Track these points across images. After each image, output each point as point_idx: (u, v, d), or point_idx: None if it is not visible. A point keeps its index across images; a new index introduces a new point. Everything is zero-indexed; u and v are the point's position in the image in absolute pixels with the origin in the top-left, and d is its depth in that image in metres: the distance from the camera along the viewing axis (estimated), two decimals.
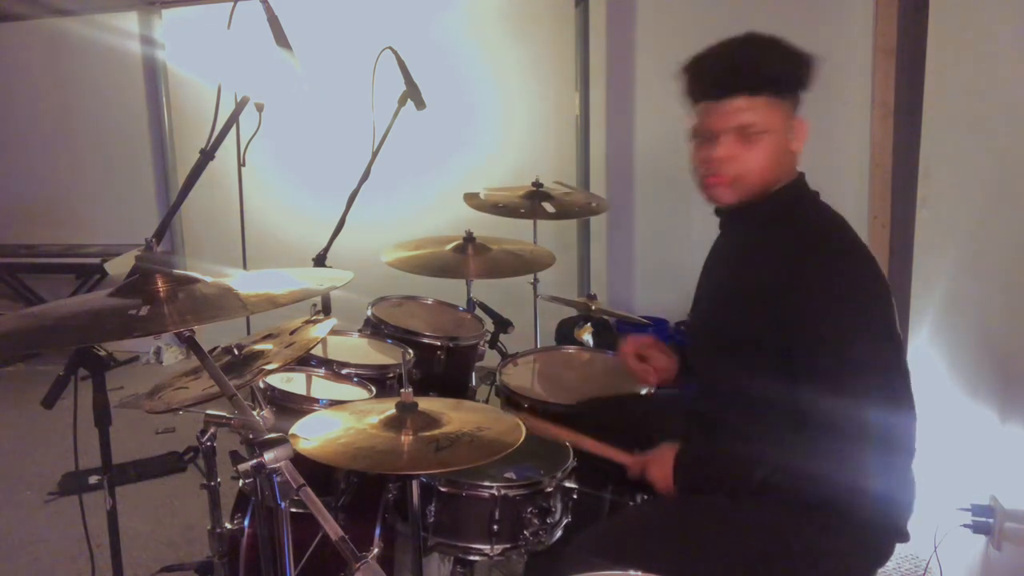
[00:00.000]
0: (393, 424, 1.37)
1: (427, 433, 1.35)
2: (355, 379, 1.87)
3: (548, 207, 2.58)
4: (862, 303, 1.34)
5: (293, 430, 1.37)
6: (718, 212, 1.56)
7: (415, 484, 1.42)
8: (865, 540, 1.39)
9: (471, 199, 2.67)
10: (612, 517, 1.58)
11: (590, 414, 1.77)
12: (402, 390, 1.40)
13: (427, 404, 1.43)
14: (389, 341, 2.12)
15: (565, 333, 3.26)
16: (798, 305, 1.33)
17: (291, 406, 1.67)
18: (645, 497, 1.57)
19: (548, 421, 1.69)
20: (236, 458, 1.12)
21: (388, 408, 1.41)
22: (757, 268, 1.44)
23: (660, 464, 1.48)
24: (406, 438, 1.33)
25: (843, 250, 1.38)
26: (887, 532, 1.41)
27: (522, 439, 1.35)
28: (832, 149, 3.29)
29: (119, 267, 4.18)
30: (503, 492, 1.49)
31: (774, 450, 1.37)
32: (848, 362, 1.31)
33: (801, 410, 1.31)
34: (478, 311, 2.45)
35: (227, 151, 1.84)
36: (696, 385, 1.68)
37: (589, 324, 2.35)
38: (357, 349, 2.06)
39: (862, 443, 1.29)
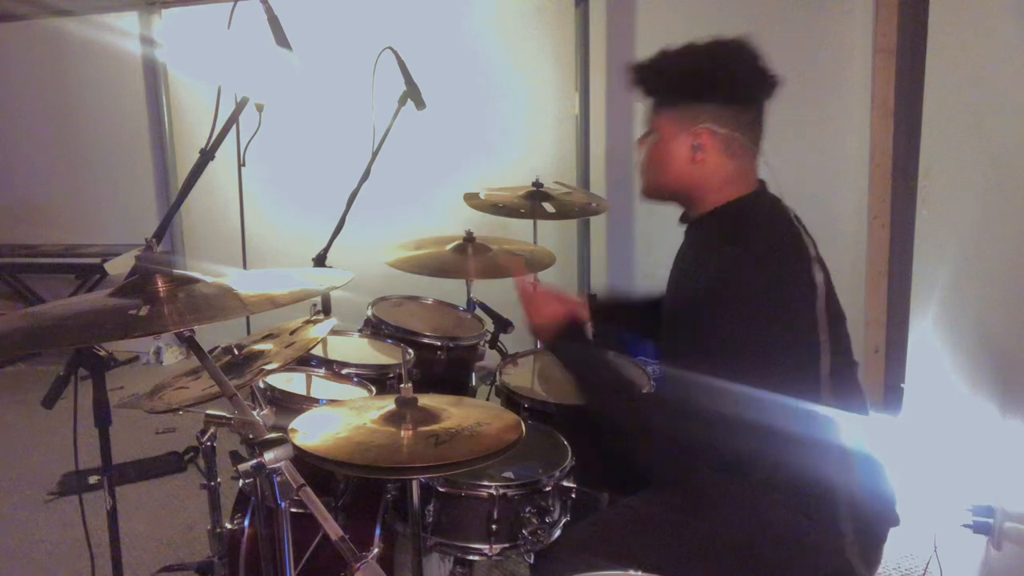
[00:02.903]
0: (393, 419, 1.37)
1: (427, 428, 1.35)
2: (355, 379, 1.87)
3: (548, 207, 2.58)
4: (753, 305, 1.33)
5: (292, 425, 1.37)
6: (682, 220, 1.59)
7: (415, 484, 1.42)
8: (843, 527, 1.39)
9: (471, 199, 2.67)
10: (600, 513, 1.57)
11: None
12: (402, 386, 1.40)
13: (427, 400, 1.43)
14: (389, 341, 2.12)
15: None
16: (704, 303, 1.36)
17: (291, 406, 1.67)
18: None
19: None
20: (236, 458, 1.12)
21: (388, 404, 1.41)
22: (694, 276, 1.46)
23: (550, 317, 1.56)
24: (406, 433, 1.33)
25: (748, 252, 1.37)
26: (870, 518, 1.41)
27: (522, 435, 1.35)
28: (832, 149, 3.30)
29: (119, 267, 4.18)
30: (502, 492, 1.50)
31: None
32: (737, 362, 1.32)
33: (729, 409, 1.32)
34: (478, 311, 2.45)
35: (227, 151, 1.84)
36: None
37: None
38: (357, 349, 2.06)
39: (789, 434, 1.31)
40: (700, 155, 1.43)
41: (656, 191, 1.55)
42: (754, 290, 1.33)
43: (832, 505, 1.36)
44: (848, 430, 1.40)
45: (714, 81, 1.42)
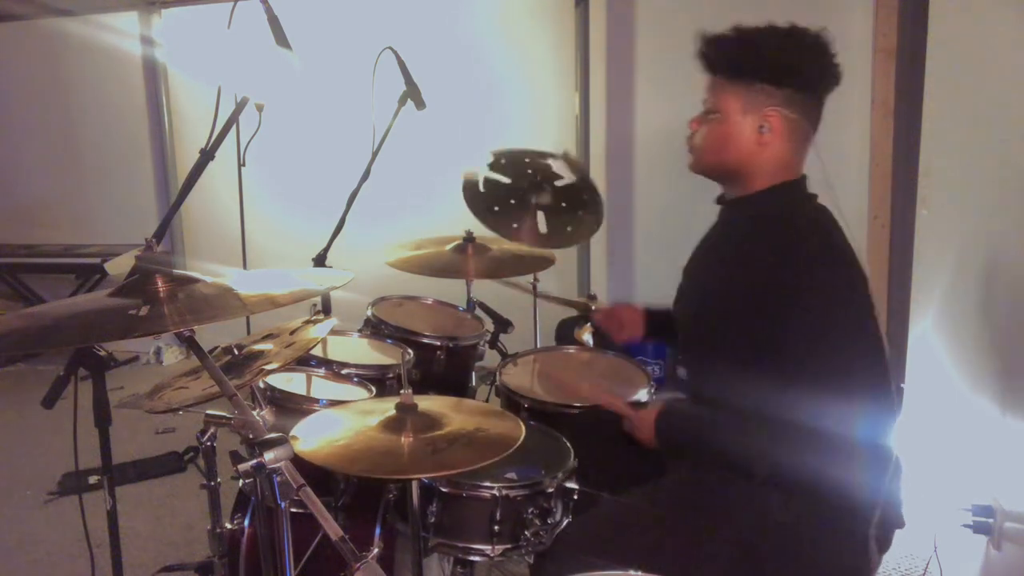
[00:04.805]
0: (393, 426, 1.37)
1: (427, 435, 1.35)
2: (355, 379, 1.87)
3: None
4: (831, 307, 1.33)
5: (293, 432, 1.37)
6: (718, 201, 1.58)
7: (415, 484, 1.42)
8: (854, 528, 1.39)
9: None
10: (601, 513, 1.57)
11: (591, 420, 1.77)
12: (402, 391, 1.40)
13: (427, 404, 1.43)
14: (389, 341, 2.12)
15: (565, 333, 3.26)
16: (772, 305, 1.34)
17: (291, 406, 1.67)
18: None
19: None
20: (236, 458, 1.12)
21: (388, 409, 1.41)
22: (740, 265, 1.45)
23: (644, 416, 1.53)
24: (406, 440, 1.33)
25: (819, 253, 1.37)
26: (881, 520, 1.41)
27: (521, 439, 1.35)
28: (832, 149, 3.29)
29: (119, 267, 4.18)
30: (504, 492, 1.49)
31: (754, 429, 1.37)
32: (811, 365, 1.31)
33: (778, 403, 1.32)
34: (478, 311, 2.45)
35: (227, 151, 1.84)
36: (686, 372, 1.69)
37: (589, 324, 2.35)
38: (357, 349, 2.06)
39: (832, 436, 1.29)
40: (767, 137, 1.43)
41: (709, 168, 1.52)
42: (835, 283, 1.34)
43: (845, 506, 1.35)
44: (882, 429, 1.40)
45: (797, 66, 1.41)
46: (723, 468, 1.42)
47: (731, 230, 1.54)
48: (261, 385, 1.66)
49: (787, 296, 1.33)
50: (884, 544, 1.44)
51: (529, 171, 2.33)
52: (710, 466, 1.46)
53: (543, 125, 3.89)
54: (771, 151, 1.44)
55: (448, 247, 2.33)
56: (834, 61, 1.44)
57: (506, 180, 2.38)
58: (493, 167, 2.35)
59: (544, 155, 2.33)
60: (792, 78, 1.41)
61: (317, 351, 1.92)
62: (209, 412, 1.38)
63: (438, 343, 2.11)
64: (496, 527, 1.49)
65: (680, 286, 1.66)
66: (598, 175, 3.79)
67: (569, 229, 2.35)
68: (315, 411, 1.55)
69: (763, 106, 1.42)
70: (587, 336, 2.31)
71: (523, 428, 1.39)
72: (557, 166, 2.37)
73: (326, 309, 2.20)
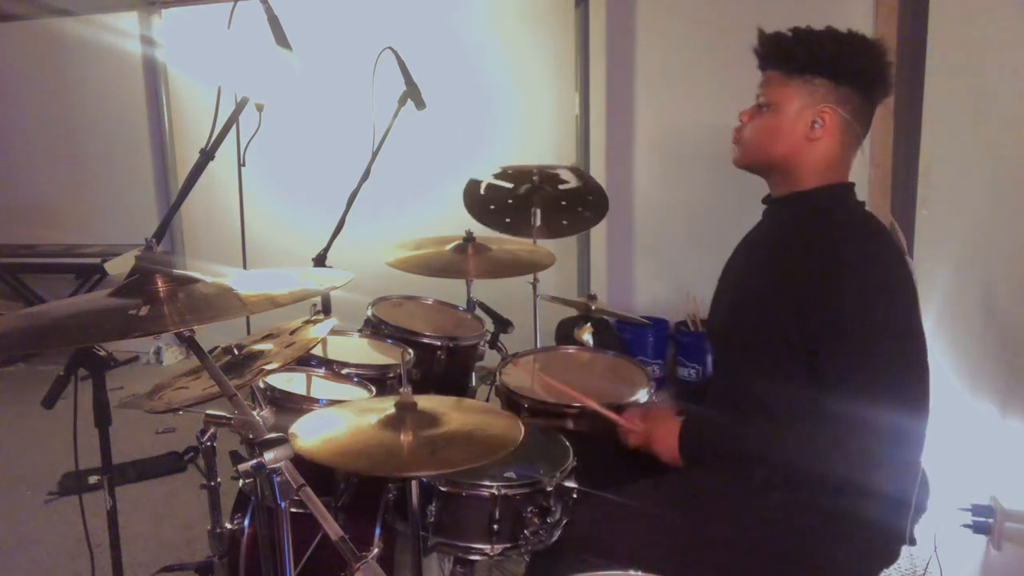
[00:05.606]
0: (392, 424, 1.37)
1: (426, 433, 1.35)
2: (355, 379, 1.87)
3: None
4: (887, 302, 1.33)
5: (292, 429, 1.37)
6: (764, 200, 1.57)
7: (415, 484, 1.42)
8: (871, 542, 1.39)
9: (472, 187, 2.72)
10: (601, 513, 1.56)
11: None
12: (401, 389, 1.40)
13: (426, 403, 1.43)
14: (389, 341, 2.12)
15: (565, 333, 3.26)
16: (823, 298, 1.32)
17: (291, 406, 1.67)
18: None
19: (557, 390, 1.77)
20: (236, 458, 1.12)
21: (387, 408, 1.41)
22: (787, 260, 1.43)
23: (664, 435, 1.50)
24: (405, 438, 1.33)
25: (872, 248, 1.37)
26: (893, 535, 1.41)
27: (521, 437, 1.35)
28: None
29: (119, 267, 4.18)
30: (503, 492, 1.49)
31: (783, 435, 1.37)
32: (869, 359, 1.30)
33: (815, 405, 1.31)
34: (478, 311, 2.45)
35: (227, 151, 1.84)
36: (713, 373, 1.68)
37: (589, 324, 2.35)
38: (357, 349, 2.06)
39: (874, 441, 1.28)
40: (818, 132, 1.43)
41: (755, 162, 1.52)
42: (885, 282, 1.33)
43: (860, 521, 1.35)
44: (920, 437, 1.39)
45: (859, 66, 1.43)
46: (748, 475, 1.40)
47: (777, 227, 1.53)
48: (261, 385, 1.66)
49: (833, 294, 1.31)
50: (892, 558, 1.44)
51: (534, 178, 2.65)
52: (732, 473, 1.44)
53: (543, 125, 3.89)
54: (820, 148, 1.44)
55: (448, 247, 2.33)
56: (891, 69, 1.45)
57: (508, 185, 2.72)
58: (499, 176, 2.70)
59: (554, 167, 2.68)
60: (851, 74, 1.42)
61: (317, 351, 1.92)
62: (209, 412, 1.38)
63: (438, 343, 2.11)
64: (495, 526, 1.49)
65: (718, 285, 1.64)
66: (598, 175, 3.79)
67: (565, 223, 2.70)
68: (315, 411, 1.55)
69: (819, 102, 1.43)
70: (587, 336, 2.31)
71: (522, 427, 1.39)
72: (564, 174, 2.70)
73: (326, 309, 2.20)
